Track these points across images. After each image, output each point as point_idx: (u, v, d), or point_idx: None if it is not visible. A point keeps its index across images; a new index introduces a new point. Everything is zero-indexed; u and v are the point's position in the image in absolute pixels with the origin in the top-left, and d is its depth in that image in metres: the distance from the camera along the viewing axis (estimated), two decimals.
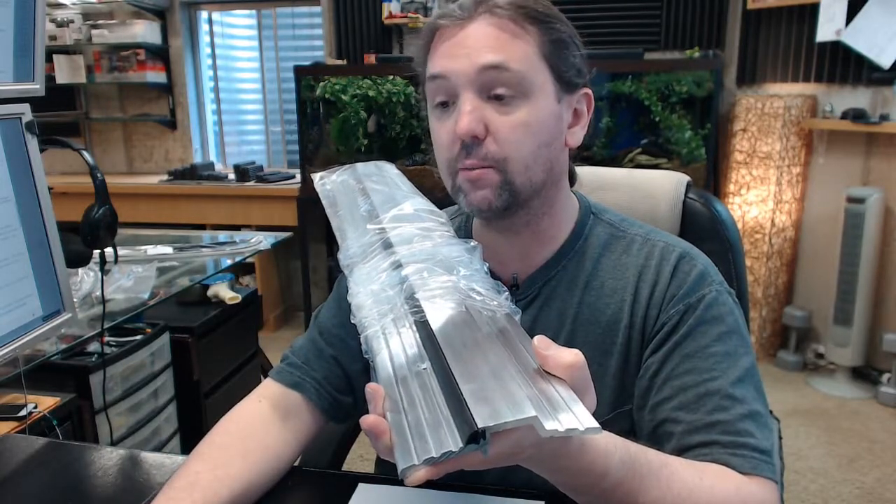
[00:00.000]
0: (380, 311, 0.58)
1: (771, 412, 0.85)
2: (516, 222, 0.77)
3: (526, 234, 0.79)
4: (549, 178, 0.75)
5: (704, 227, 0.99)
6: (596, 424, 0.46)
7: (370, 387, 0.52)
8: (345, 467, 1.14)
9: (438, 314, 0.56)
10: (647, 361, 0.75)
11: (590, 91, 0.78)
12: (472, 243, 0.67)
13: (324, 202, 0.78)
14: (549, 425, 0.45)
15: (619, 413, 0.77)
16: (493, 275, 0.71)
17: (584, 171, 0.86)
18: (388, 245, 0.67)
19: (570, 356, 0.51)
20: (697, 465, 0.66)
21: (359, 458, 1.22)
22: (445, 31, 0.73)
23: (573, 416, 0.46)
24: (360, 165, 0.82)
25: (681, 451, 0.69)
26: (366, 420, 0.50)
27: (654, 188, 1.02)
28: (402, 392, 0.50)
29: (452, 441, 0.44)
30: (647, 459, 0.62)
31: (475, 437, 0.44)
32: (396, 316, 0.57)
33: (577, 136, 0.77)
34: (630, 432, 0.76)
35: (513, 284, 0.80)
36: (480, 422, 0.44)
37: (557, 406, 0.47)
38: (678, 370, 0.72)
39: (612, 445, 0.59)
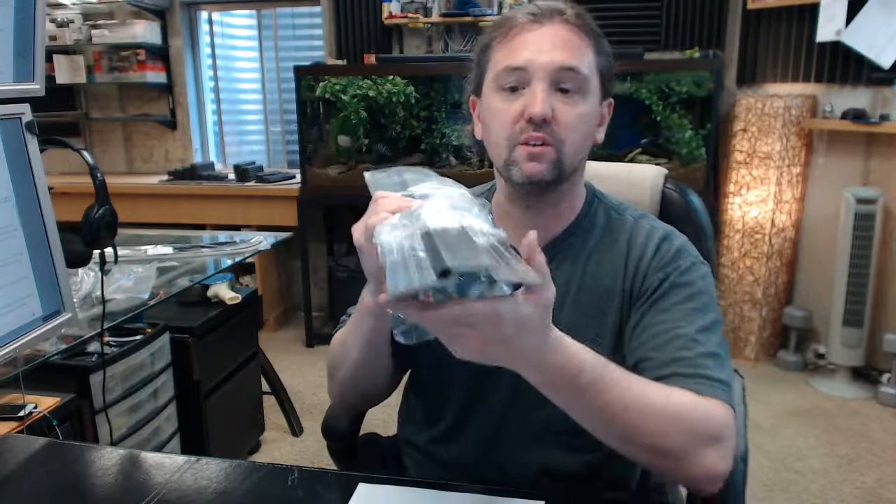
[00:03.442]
0: (393, 224, 0.71)
1: (736, 371, 1.00)
2: (546, 199, 0.91)
3: (548, 212, 0.93)
4: (580, 165, 0.91)
5: (680, 213, 1.15)
6: (536, 277, 0.64)
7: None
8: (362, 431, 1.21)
9: (439, 225, 0.69)
10: (630, 319, 0.89)
11: (612, 101, 0.94)
12: (482, 201, 0.77)
13: (369, 189, 0.87)
14: (501, 273, 0.63)
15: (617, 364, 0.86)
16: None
17: None
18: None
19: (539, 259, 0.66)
20: (661, 384, 0.78)
21: (381, 423, 1.24)
22: (523, 27, 0.86)
23: (521, 274, 0.64)
24: (404, 167, 0.90)
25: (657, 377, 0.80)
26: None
27: (637, 180, 1.19)
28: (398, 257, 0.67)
29: (429, 277, 0.61)
30: (616, 368, 0.74)
31: (445, 273, 0.61)
32: (407, 230, 0.70)
33: (601, 134, 0.93)
34: None
35: None
36: (450, 264, 0.61)
37: (512, 269, 0.64)
38: (653, 321, 0.86)
39: (585, 351, 0.71)
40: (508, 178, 0.89)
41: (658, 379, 0.79)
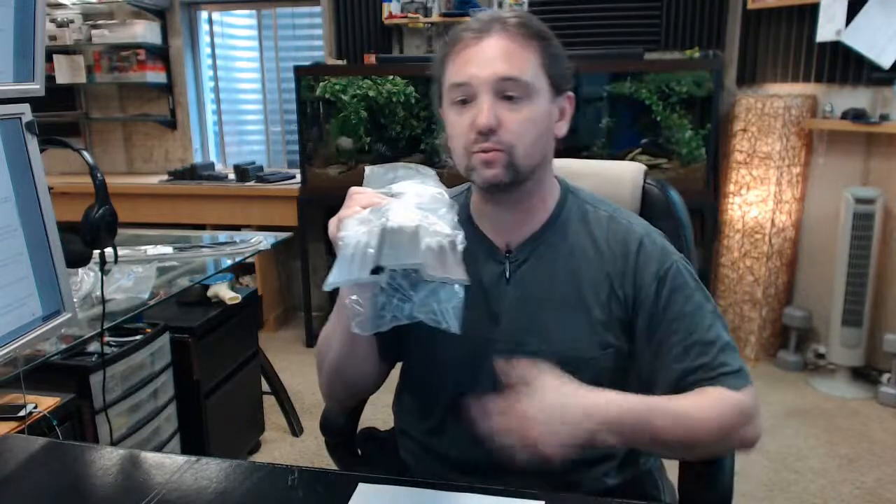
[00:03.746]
0: (360, 219, 0.78)
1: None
2: (513, 198, 0.96)
3: (519, 209, 0.98)
4: (541, 161, 0.95)
5: (660, 208, 1.20)
6: (464, 278, 0.74)
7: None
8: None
9: (397, 223, 0.77)
10: (638, 333, 0.95)
11: (572, 94, 0.98)
12: (451, 203, 0.84)
13: (364, 182, 0.95)
14: (429, 271, 0.73)
15: (603, 353, 0.96)
16: (490, 242, 0.99)
17: (559, 163, 1.04)
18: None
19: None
20: (691, 394, 0.90)
21: (381, 423, 1.26)
22: (465, 43, 0.91)
23: (450, 275, 0.74)
24: (401, 164, 0.96)
25: (679, 392, 0.91)
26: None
27: (618, 176, 1.24)
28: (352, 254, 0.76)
29: (364, 272, 0.72)
30: (643, 398, 0.86)
31: (377, 269, 0.72)
32: (369, 226, 0.77)
33: (563, 128, 0.98)
34: (614, 369, 0.96)
35: (507, 250, 0.99)
36: (383, 262, 0.72)
37: (447, 269, 0.74)
38: (666, 336, 0.93)
39: (618, 396, 0.85)
40: (473, 182, 0.96)
41: (687, 387, 0.90)
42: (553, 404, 0.82)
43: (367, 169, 0.92)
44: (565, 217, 1.00)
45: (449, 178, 0.94)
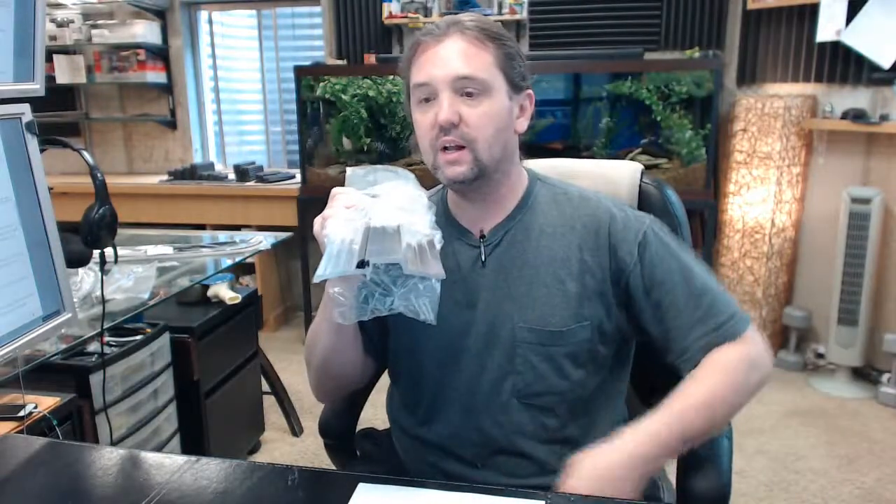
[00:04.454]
0: (345, 218, 0.84)
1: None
2: (481, 191, 1.01)
3: (489, 200, 1.03)
4: (504, 154, 0.99)
5: (657, 206, 1.20)
6: (441, 273, 0.83)
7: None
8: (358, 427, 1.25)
9: (380, 223, 0.84)
10: (636, 296, 1.00)
11: (531, 92, 1.03)
12: (429, 204, 0.91)
13: (346, 183, 1.02)
14: (410, 266, 0.80)
15: (579, 325, 0.99)
16: (466, 230, 1.04)
17: (555, 162, 1.09)
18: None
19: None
20: (690, 377, 0.95)
21: (382, 423, 1.28)
22: (426, 46, 0.97)
23: (428, 271, 0.81)
24: (381, 167, 1.01)
25: (688, 349, 0.97)
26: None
27: (615, 176, 1.25)
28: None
29: (351, 266, 0.80)
30: (659, 415, 0.91)
31: (362, 264, 0.79)
32: (353, 225, 0.84)
33: (523, 124, 1.02)
34: (590, 341, 1.00)
35: (481, 236, 1.04)
36: (368, 257, 0.80)
37: (426, 265, 0.81)
38: (662, 296, 0.99)
39: (632, 439, 0.90)
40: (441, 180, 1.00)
41: (691, 344, 0.97)
42: (593, 476, 0.87)
43: (349, 170, 0.98)
44: (534, 200, 1.05)
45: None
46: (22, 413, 1.24)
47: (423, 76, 0.96)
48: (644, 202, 1.22)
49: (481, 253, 1.03)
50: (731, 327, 0.97)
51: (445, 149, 0.95)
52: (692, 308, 0.97)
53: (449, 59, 0.94)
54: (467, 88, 0.94)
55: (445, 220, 1.06)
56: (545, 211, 1.04)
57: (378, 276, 0.84)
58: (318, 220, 0.88)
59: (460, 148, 0.95)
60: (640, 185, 1.23)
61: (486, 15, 3.40)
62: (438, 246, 0.85)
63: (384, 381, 1.24)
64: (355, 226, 0.83)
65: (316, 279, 0.80)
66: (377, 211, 0.85)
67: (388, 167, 0.97)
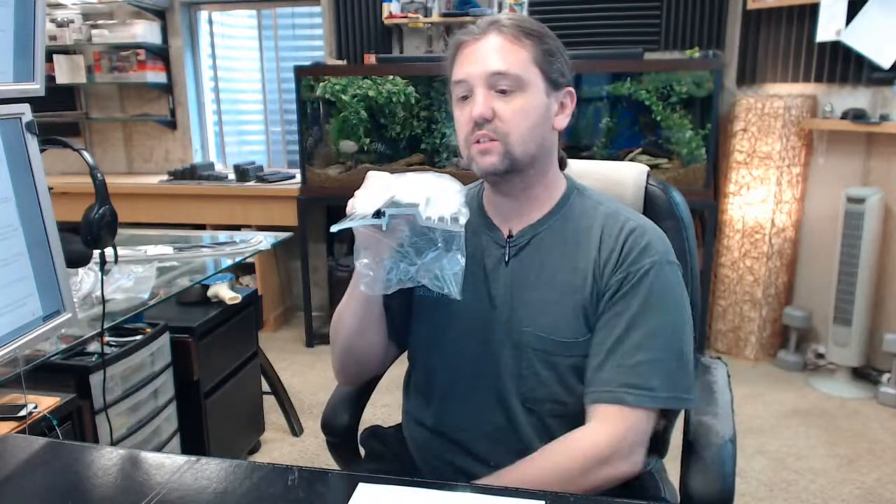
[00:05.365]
0: (371, 193, 0.87)
1: (719, 357, 1.23)
2: (516, 186, 1.02)
3: (522, 198, 1.04)
4: (539, 151, 1.00)
5: (662, 208, 1.21)
6: (459, 231, 0.84)
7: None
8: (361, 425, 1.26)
9: (406, 196, 0.85)
10: (596, 311, 1.00)
11: (572, 89, 1.03)
12: (460, 187, 0.93)
13: None
14: (424, 217, 0.82)
15: (583, 340, 0.99)
16: (496, 228, 1.06)
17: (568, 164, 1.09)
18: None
19: None
20: (539, 451, 0.97)
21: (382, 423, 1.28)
22: (465, 45, 0.99)
23: (444, 225, 0.83)
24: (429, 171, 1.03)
25: (590, 384, 0.98)
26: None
27: (621, 177, 1.25)
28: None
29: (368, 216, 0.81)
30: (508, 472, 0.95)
31: (378, 215, 0.80)
32: (382, 198, 0.85)
33: (563, 121, 1.03)
34: (584, 356, 0.99)
35: (509, 236, 1.05)
36: (383, 207, 0.81)
37: (441, 220, 0.83)
38: (601, 324, 0.99)
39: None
40: (474, 172, 1.02)
41: (591, 395, 0.97)
42: None
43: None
44: (568, 209, 1.05)
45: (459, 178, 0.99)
46: (22, 413, 1.24)
47: (460, 74, 0.99)
48: (649, 204, 1.23)
49: (506, 253, 1.04)
50: (630, 395, 0.93)
51: (479, 141, 0.97)
52: (618, 354, 0.96)
53: (485, 56, 0.97)
54: (501, 85, 0.96)
55: (478, 215, 1.08)
56: (576, 222, 1.04)
57: (403, 248, 0.85)
58: (351, 201, 0.90)
59: (493, 140, 0.97)
60: (645, 187, 1.24)
61: (486, 15, 3.41)
62: (463, 220, 0.86)
63: (386, 381, 1.24)
64: (382, 195, 0.85)
65: (333, 229, 0.83)
66: (404, 187, 0.87)
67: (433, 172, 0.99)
